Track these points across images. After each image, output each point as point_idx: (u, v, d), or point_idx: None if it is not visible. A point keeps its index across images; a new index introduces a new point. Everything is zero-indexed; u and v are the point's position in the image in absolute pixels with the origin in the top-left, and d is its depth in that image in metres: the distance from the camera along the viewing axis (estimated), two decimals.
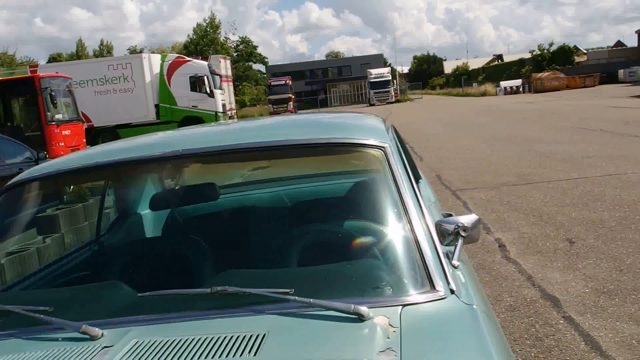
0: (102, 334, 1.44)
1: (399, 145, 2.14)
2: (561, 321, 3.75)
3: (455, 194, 8.14)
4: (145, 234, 2.94)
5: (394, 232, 1.77)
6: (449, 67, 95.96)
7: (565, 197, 7.18)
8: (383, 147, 1.91)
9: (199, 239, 2.17)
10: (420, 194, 2.56)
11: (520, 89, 48.96)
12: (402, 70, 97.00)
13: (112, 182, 2.73)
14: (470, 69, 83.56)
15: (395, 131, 2.83)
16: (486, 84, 58.06)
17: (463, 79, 72.64)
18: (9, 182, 2.04)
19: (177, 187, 2.79)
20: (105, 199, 2.91)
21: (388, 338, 1.32)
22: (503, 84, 52.14)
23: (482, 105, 34.38)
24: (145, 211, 2.98)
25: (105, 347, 1.38)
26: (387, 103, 52.97)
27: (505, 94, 49.10)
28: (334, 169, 2.82)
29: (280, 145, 1.98)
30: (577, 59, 60.82)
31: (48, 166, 2.11)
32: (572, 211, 6.47)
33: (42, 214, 4.29)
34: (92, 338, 1.43)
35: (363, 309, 1.40)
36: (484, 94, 52.67)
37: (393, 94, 55.21)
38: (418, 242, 1.64)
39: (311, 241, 1.99)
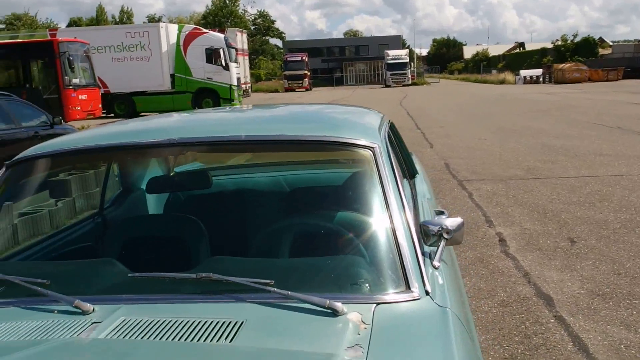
0: (93, 310, 1.52)
1: (389, 145, 2.16)
2: (552, 320, 3.78)
3: (462, 185, 8.14)
4: (147, 209, 3.00)
5: (375, 231, 1.81)
6: (468, 52, 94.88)
7: (572, 195, 7.16)
8: (372, 147, 1.94)
9: (195, 220, 2.23)
10: (413, 192, 2.59)
11: (540, 79, 48.35)
12: (421, 53, 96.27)
13: (115, 162, 2.79)
14: (490, 56, 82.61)
15: (392, 128, 2.84)
16: (505, 72, 57.40)
17: (482, 65, 71.89)
18: (13, 159, 2.10)
19: (171, 174, 2.84)
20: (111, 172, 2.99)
21: (358, 334, 1.37)
22: (523, 72, 51.51)
23: (499, 93, 34.06)
24: None
25: (94, 322, 1.45)
26: (403, 85, 52.62)
27: (524, 83, 48.54)
28: (327, 163, 2.87)
29: (272, 140, 2.03)
30: (602, 51, 59.91)
31: (50, 145, 2.17)
32: (577, 210, 6.46)
33: (55, 178, 4.39)
34: (84, 313, 1.51)
35: (338, 304, 1.45)
36: (502, 82, 52.13)
37: (410, 76, 54.81)
38: (398, 242, 1.68)
39: (297, 233, 2.04)
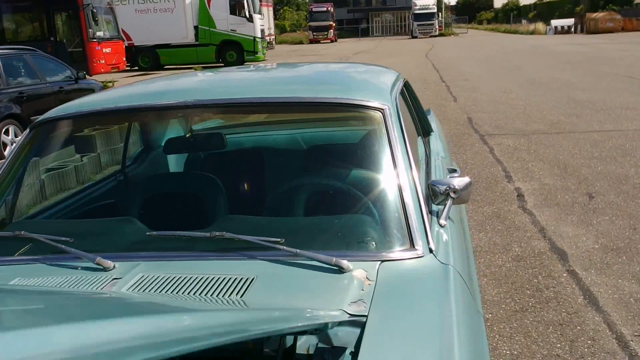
0: (114, 266, 1.64)
1: (401, 106, 2.21)
2: (564, 275, 3.86)
3: (484, 139, 8.11)
4: (167, 167, 3.11)
5: (383, 190, 1.89)
6: (498, 2, 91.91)
7: (594, 150, 7.11)
8: (382, 109, 2.00)
9: (213, 178, 2.32)
10: (427, 150, 2.65)
11: (572, 29, 46.81)
12: (449, 3, 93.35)
13: (134, 121, 2.88)
14: (521, 5, 79.89)
15: (407, 87, 2.88)
16: (536, 22, 55.63)
17: (512, 14, 69.71)
18: (36, 121, 2.20)
19: (187, 135, 2.93)
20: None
21: (362, 290, 1.47)
22: (554, 22, 49.86)
23: (528, 44, 33.17)
24: None
25: (115, 278, 1.57)
26: (430, 36, 51.49)
27: (555, 34, 47.07)
28: (343, 121, 2.93)
29: (285, 102, 2.10)
30: None
31: (70, 106, 2.27)
32: (598, 164, 6.43)
33: (80, 134, 4.53)
34: (105, 269, 1.62)
35: (344, 262, 1.55)
36: (532, 33, 50.62)
37: (437, 27, 53.53)
38: (404, 201, 1.76)
39: (309, 192, 2.12)
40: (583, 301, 3.51)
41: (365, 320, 1.37)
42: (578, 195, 5.46)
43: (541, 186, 5.81)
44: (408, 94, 2.88)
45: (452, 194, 1.88)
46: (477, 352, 1.41)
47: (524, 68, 18.75)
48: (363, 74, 2.79)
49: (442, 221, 1.85)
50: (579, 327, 3.23)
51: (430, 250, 1.67)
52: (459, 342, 1.36)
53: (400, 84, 2.59)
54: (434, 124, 3.73)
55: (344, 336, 1.41)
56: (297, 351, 1.38)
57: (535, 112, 10.05)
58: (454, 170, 3.06)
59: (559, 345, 3.09)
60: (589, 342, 3.10)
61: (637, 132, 8.00)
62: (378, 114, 2.00)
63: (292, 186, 2.21)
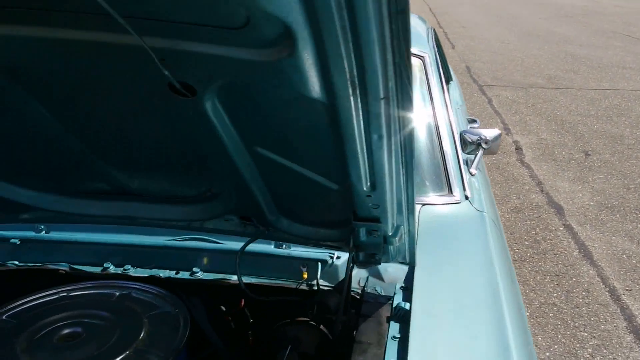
0: None
1: (437, 52, 2.25)
2: (561, 228, 4.02)
3: (482, 90, 8.15)
4: None
5: (423, 137, 1.95)
6: None
7: (590, 108, 7.20)
8: (422, 56, 2.03)
9: None
10: (451, 100, 2.69)
11: None
12: None
13: None
14: None
15: (435, 35, 2.88)
16: None
17: None
18: None
19: None
20: None
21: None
22: None
23: None
24: None
25: None
26: None
27: None
28: None
29: None
30: None
31: None
32: (594, 123, 6.54)
33: None
34: None
35: None
36: None
37: None
38: (443, 149, 1.83)
39: None
40: (578, 255, 3.67)
41: (412, 260, 1.46)
42: (574, 152, 5.58)
43: (539, 140, 5.91)
44: (436, 40, 2.90)
45: (483, 145, 1.95)
46: (516, 295, 1.52)
47: (522, 18, 18.55)
48: None
49: (473, 170, 1.93)
50: (574, 279, 3.40)
51: (466, 197, 1.76)
52: (502, 285, 1.47)
53: (431, 31, 2.60)
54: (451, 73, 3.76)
55: (393, 272, 1.51)
56: (352, 286, 1.47)
57: (533, 65, 10.06)
58: (474, 121, 3.12)
59: (555, 294, 3.26)
60: (583, 293, 3.27)
61: (633, 92, 8.09)
62: (418, 61, 2.03)
63: None
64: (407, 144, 0.95)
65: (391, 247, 1.35)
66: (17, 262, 1.78)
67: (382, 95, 0.82)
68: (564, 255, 3.66)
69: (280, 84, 0.85)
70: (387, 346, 1.28)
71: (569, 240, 3.86)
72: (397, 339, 1.30)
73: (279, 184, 1.22)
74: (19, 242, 1.82)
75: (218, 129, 1.00)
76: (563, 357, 2.80)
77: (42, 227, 1.82)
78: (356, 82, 0.80)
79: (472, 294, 1.42)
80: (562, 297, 3.23)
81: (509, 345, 1.27)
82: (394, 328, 1.34)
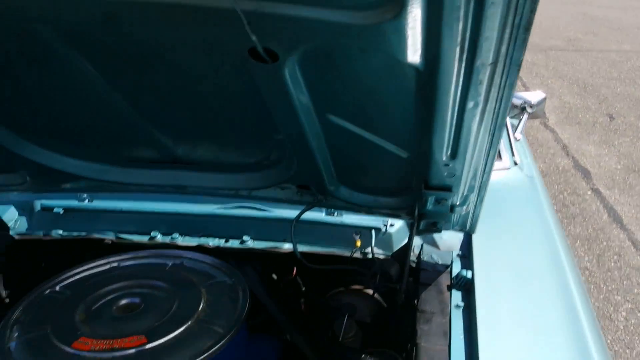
0: None
1: None
2: (589, 192, 3.98)
3: None
4: None
5: None
6: None
7: (613, 70, 7.07)
8: None
9: None
10: None
11: None
12: None
13: None
14: None
15: None
16: None
17: None
18: None
19: None
20: None
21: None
22: None
23: None
24: None
25: None
26: None
27: None
28: None
29: None
30: None
31: None
32: (617, 85, 6.43)
33: None
34: None
35: None
36: None
37: None
38: None
39: None
40: (608, 219, 3.65)
41: (473, 229, 1.44)
42: (598, 115, 5.50)
43: (562, 104, 5.83)
44: None
45: (528, 109, 1.92)
46: (573, 260, 1.51)
47: None
48: None
49: (518, 135, 1.90)
50: (604, 243, 3.39)
51: (515, 163, 1.74)
52: (563, 253, 1.46)
53: None
54: None
55: (448, 239, 1.50)
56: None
57: (551, 26, 9.86)
58: None
59: (587, 258, 3.25)
60: (615, 257, 3.26)
61: None
62: None
63: None
64: (502, 113, 0.90)
65: (453, 215, 1.33)
66: (61, 232, 1.78)
67: (491, 61, 0.77)
68: (594, 219, 3.63)
69: (372, 49, 0.81)
70: (452, 315, 1.28)
71: (598, 204, 3.83)
72: (461, 308, 1.29)
73: (345, 152, 1.19)
74: (62, 212, 1.81)
75: (292, 95, 0.97)
76: (598, 321, 2.80)
77: (85, 196, 1.81)
78: (465, 46, 0.74)
79: (534, 262, 1.41)
80: (594, 261, 3.21)
81: (578, 311, 1.26)
82: (457, 296, 1.33)
